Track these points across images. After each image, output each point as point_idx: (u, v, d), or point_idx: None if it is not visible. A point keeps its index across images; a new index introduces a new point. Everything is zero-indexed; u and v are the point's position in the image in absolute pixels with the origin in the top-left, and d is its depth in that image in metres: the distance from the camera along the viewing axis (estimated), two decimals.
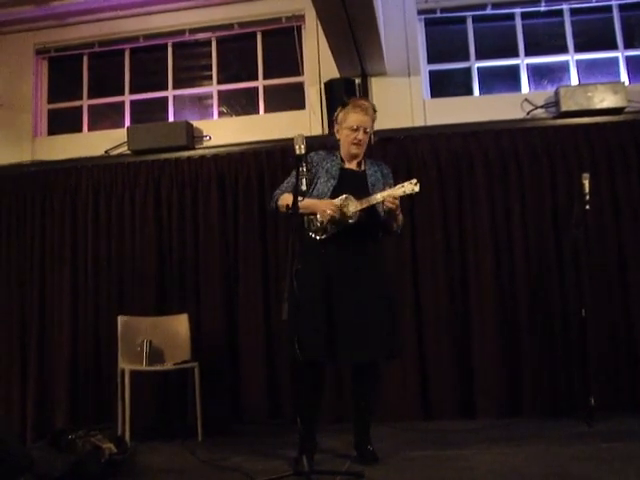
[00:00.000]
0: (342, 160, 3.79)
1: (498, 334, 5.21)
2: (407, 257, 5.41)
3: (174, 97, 6.33)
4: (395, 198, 3.51)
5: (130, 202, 5.87)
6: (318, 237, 3.59)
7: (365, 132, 3.74)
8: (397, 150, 5.58)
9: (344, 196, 3.58)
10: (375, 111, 3.84)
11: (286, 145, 5.20)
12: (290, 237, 3.28)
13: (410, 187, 3.50)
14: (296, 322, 3.28)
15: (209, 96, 6.33)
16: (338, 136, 3.83)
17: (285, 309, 3.03)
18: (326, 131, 5.63)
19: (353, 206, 3.56)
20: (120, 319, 5.16)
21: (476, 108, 5.65)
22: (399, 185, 3.54)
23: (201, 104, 6.38)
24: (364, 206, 3.56)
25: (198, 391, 4.90)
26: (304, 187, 3.53)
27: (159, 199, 5.84)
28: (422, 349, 5.29)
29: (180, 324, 5.30)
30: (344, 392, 5.10)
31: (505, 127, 5.50)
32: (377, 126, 5.58)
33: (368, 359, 3.57)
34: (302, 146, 3.39)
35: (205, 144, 5.98)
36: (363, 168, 3.80)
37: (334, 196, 3.62)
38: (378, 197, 3.55)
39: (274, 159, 5.69)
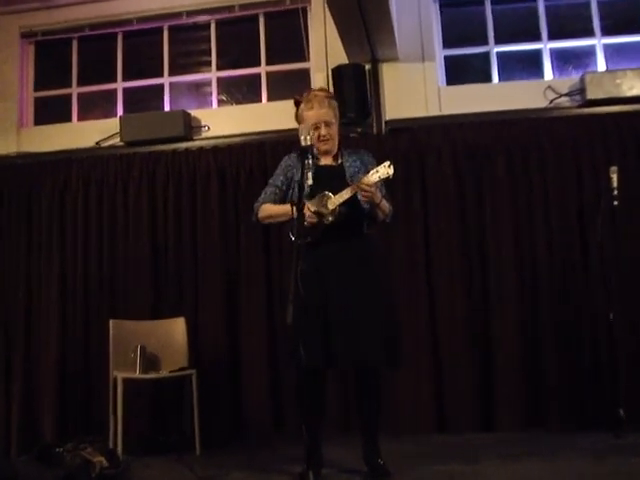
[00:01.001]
0: (317, 158, 3.82)
1: (520, 339, 5.20)
2: (420, 257, 5.40)
3: (170, 84, 6.33)
4: (369, 185, 3.52)
5: (123, 198, 5.88)
6: (300, 241, 3.62)
7: (328, 125, 3.76)
8: (409, 142, 5.57)
9: (321, 195, 3.60)
10: (332, 97, 3.87)
11: (291, 136, 5.16)
12: (292, 238, 3.30)
13: (384, 171, 3.51)
14: (301, 326, 3.29)
15: (208, 83, 6.32)
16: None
17: (290, 312, 3.04)
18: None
19: (331, 203, 3.57)
20: (112, 323, 5.16)
21: (495, 96, 5.63)
22: (373, 170, 3.55)
23: (199, 92, 6.37)
24: (339, 202, 3.58)
25: (196, 401, 4.89)
26: (310, 181, 3.56)
27: (154, 194, 5.84)
28: (437, 356, 5.29)
29: (177, 328, 5.30)
30: (350, 401, 5.09)
31: (527, 117, 5.49)
32: (388, 115, 5.70)
33: (360, 364, 3.59)
34: (308, 137, 3.42)
35: (204, 135, 5.97)
36: (340, 161, 3.82)
37: (314, 195, 3.64)
38: (349, 189, 3.57)
39: (278, 151, 5.64)
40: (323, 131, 3.73)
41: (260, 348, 5.45)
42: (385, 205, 3.71)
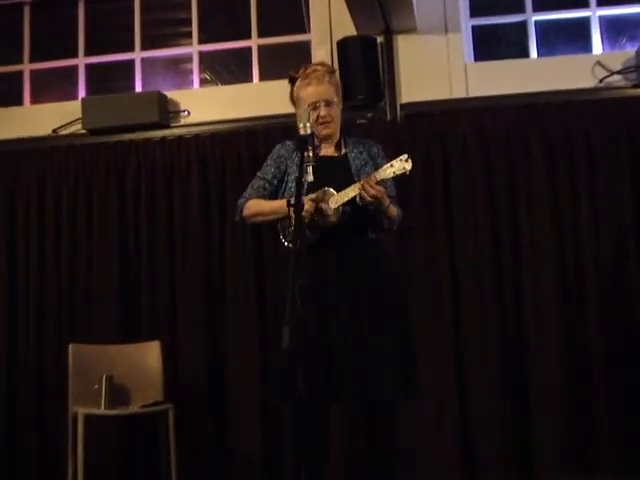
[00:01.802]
0: (316, 148, 3.82)
1: (563, 364, 5.21)
2: (443, 267, 5.42)
3: (142, 60, 6.35)
4: (378, 184, 3.49)
5: (86, 197, 5.90)
6: (299, 247, 3.60)
7: (329, 105, 3.75)
8: (430, 130, 5.59)
9: (322, 191, 3.59)
10: (334, 72, 3.89)
11: (288, 123, 5.22)
12: (284, 243, 3.30)
13: (400, 165, 3.47)
14: (299, 351, 3.28)
15: (188, 59, 6.34)
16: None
17: (287, 334, 3.03)
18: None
19: (334, 201, 3.57)
20: (71, 348, 5.17)
21: (533, 74, 5.65)
22: (386, 164, 3.54)
23: (177, 69, 6.39)
24: (344, 200, 3.58)
25: (173, 441, 4.92)
26: (310, 177, 3.49)
27: (123, 192, 5.87)
28: (462, 384, 5.30)
29: (150, 354, 5.32)
30: (358, 440, 5.14)
31: (571, 98, 5.51)
32: (404, 98, 5.73)
33: (370, 395, 3.59)
34: (308, 124, 3.40)
35: (183, 121, 6.00)
36: (344, 151, 3.81)
37: (312, 192, 3.58)
38: (356, 186, 3.54)
39: (272, 140, 5.55)
40: (323, 111, 3.71)
41: (250, 377, 5.46)
42: (392, 210, 3.68)
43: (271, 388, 3.60)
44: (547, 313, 5.31)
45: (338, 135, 3.84)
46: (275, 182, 3.81)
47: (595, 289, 5.30)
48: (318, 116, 3.72)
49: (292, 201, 3.61)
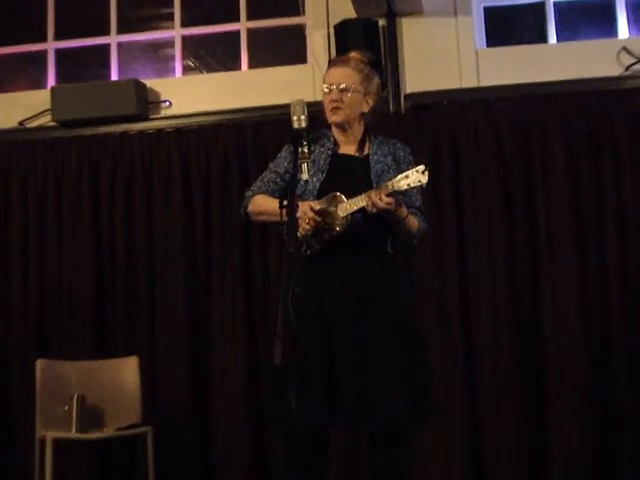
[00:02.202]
0: (336, 143, 3.83)
1: (585, 387, 5.21)
2: (452, 276, 5.43)
3: (119, 45, 6.34)
4: (386, 195, 3.39)
5: (56, 196, 5.91)
6: (295, 254, 3.57)
7: (343, 90, 3.67)
8: (437, 122, 5.60)
9: (331, 196, 3.53)
10: (367, 63, 3.84)
11: (280, 115, 5.22)
12: (285, 248, 3.28)
13: (415, 178, 3.39)
14: (293, 368, 3.27)
15: (169, 44, 6.33)
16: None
17: (279, 350, 3.02)
18: None
19: (343, 209, 3.51)
20: (39, 365, 5.16)
21: (552, 61, 5.65)
22: (401, 175, 3.44)
23: (158, 55, 6.39)
24: (353, 209, 3.50)
25: (152, 467, 4.92)
26: (305, 176, 3.45)
27: (97, 192, 5.87)
28: (474, 410, 5.31)
29: (127, 372, 5.31)
30: (361, 468, 5.15)
31: (594, 88, 5.51)
32: (409, 87, 5.71)
33: (376, 420, 3.57)
34: (302, 117, 3.37)
35: (164, 113, 6.01)
36: (366, 152, 3.76)
37: (323, 193, 3.57)
38: (365, 196, 3.45)
39: (263, 135, 5.70)
40: (334, 95, 3.66)
41: (238, 397, 5.47)
42: (412, 222, 3.61)
43: (270, 415, 3.56)
44: (568, 328, 5.31)
45: (361, 133, 3.78)
46: (287, 177, 3.71)
47: (620, 295, 5.30)
48: (330, 100, 3.67)
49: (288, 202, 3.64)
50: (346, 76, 3.70)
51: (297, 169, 3.41)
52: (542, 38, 5.94)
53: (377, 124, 5.31)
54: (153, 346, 5.65)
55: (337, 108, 3.67)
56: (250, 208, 3.76)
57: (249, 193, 3.79)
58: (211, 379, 5.60)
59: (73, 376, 5.23)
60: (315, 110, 3.63)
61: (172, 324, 5.66)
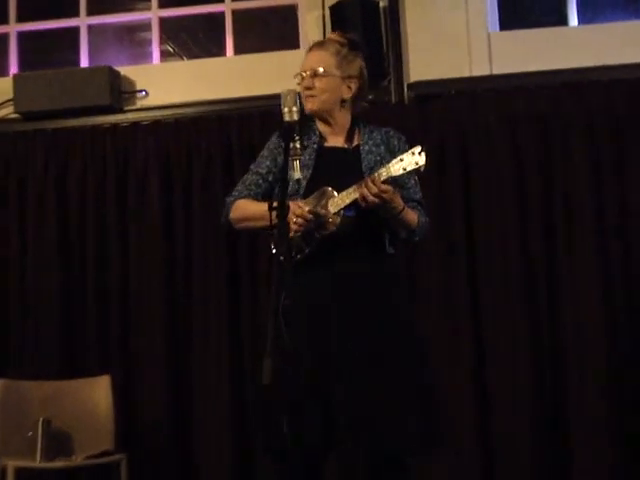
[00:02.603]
0: (322, 136, 3.83)
1: (611, 416, 5.21)
2: (462, 280, 5.45)
3: (89, 28, 6.31)
4: (382, 181, 3.39)
5: (18, 196, 5.89)
6: (286, 260, 3.57)
7: (316, 75, 3.67)
8: (444, 114, 5.60)
9: (320, 191, 3.53)
10: (347, 44, 3.83)
11: (269, 106, 5.23)
12: (275, 255, 3.26)
13: (411, 160, 3.39)
14: (285, 389, 3.27)
15: (145, 27, 6.32)
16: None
17: (268, 369, 3.01)
18: None
19: (334, 205, 3.52)
20: (0, 385, 5.14)
21: (573, 46, 5.64)
22: (396, 159, 3.44)
23: (133, 40, 6.39)
24: (346, 202, 3.53)
25: None
26: (297, 174, 3.46)
27: (65, 193, 5.86)
28: (488, 441, 5.31)
29: (98, 392, 5.29)
30: None
31: (621, 76, 5.52)
32: (413, 76, 5.70)
33: (376, 447, 3.56)
34: (294, 109, 3.33)
35: (140, 104, 6.00)
36: (356, 143, 3.77)
37: (310, 193, 3.58)
38: (358, 187, 3.50)
39: (250, 128, 5.69)
40: (306, 81, 3.69)
41: (222, 422, 5.47)
42: (410, 216, 3.61)
43: (259, 437, 3.55)
44: (590, 343, 5.31)
45: (348, 121, 3.78)
46: (270, 178, 3.73)
47: None
48: (302, 87, 3.68)
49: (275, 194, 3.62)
50: (320, 60, 3.70)
51: (288, 167, 3.36)
52: (562, 20, 5.95)
53: (378, 116, 5.39)
54: (127, 364, 5.64)
55: (310, 96, 3.68)
56: (232, 215, 3.74)
57: (230, 199, 3.77)
58: (192, 401, 5.59)
59: (37, 398, 5.21)
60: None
61: (148, 339, 5.65)
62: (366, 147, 3.71)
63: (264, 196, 3.70)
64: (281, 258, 3.46)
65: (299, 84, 3.66)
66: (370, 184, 3.39)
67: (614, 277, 5.37)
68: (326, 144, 3.72)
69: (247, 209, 3.68)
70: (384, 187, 3.39)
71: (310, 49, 3.78)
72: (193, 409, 5.58)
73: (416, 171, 3.42)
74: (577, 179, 5.46)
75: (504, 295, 5.42)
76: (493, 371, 5.37)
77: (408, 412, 3.49)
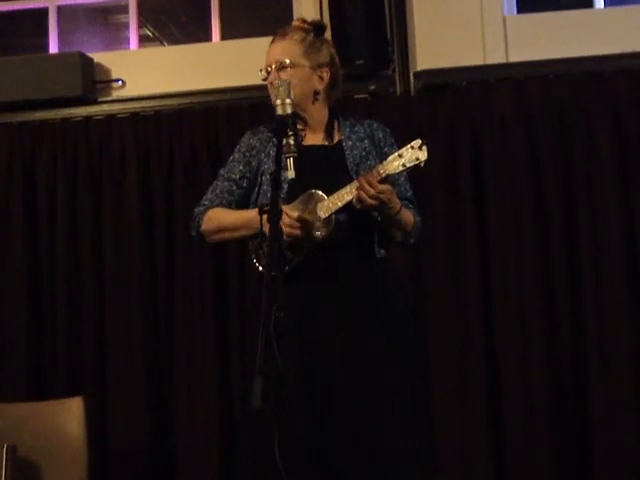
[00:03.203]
0: (299, 135, 3.81)
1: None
2: (474, 285, 5.50)
3: (59, 10, 6.37)
4: (379, 180, 3.44)
5: None
6: (276, 272, 3.58)
7: (282, 68, 3.73)
8: (455, 106, 5.65)
9: (307, 194, 3.57)
10: (312, 30, 3.84)
11: (259, 97, 5.26)
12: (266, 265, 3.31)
13: (411, 155, 3.45)
14: (277, 413, 3.29)
15: (122, 8, 6.38)
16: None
17: (259, 389, 3.01)
18: None
19: (324, 209, 3.54)
20: None
21: (598, 31, 5.69)
22: (393, 154, 3.50)
23: (108, 23, 6.44)
24: (338, 206, 3.53)
25: None
26: (292, 173, 3.45)
27: (32, 192, 5.90)
28: (500, 457, 5.35)
29: (69, 416, 5.30)
30: None
31: None
32: (420, 64, 5.73)
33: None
34: (287, 101, 3.37)
35: (116, 94, 6.05)
36: (337, 139, 3.80)
37: (293, 198, 3.61)
38: (352, 186, 3.48)
39: (239, 122, 5.71)
40: (271, 76, 3.72)
41: (207, 448, 5.50)
42: (406, 216, 3.67)
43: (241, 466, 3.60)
44: (615, 351, 5.36)
45: (325, 116, 3.82)
46: (245, 183, 3.77)
47: None
48: (268, 82, 3.73)
49: (253, 202, 3.68)
50: (284, 51, 3.76)
51: (281, 166, 3.34)
52: (586, 2, 6.00)
53: (381, 108, 5.42)
54: (102, 384, 5.68)
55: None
56: (205, 227, 3.77)
57: (200, 209, 3.81)
58: (175, 425, 5.63)
59: (1, 422, 5.23)
60: None
61: (126, 357, 5.69)
62: (349, 142, 3.77)
63: (238, 204, 3.76)
64: (260, 268, 3.53)
65: (264, 80, 3.73)
66: (366, 185, 3.43)
67: None
68: (304, 143, 3.74)
69: (223, 219, 3.73)
70: (382, 187, 3.44)
71: (272, 41, 3.82)
72: (176, 435, 5.62)
73: (415, 167, 3.46)
74: (600, 177, 5.50)
75: (518, 294, 5.49)
76: (508, 398, 5.42)
77: (405, 445, 3.55)
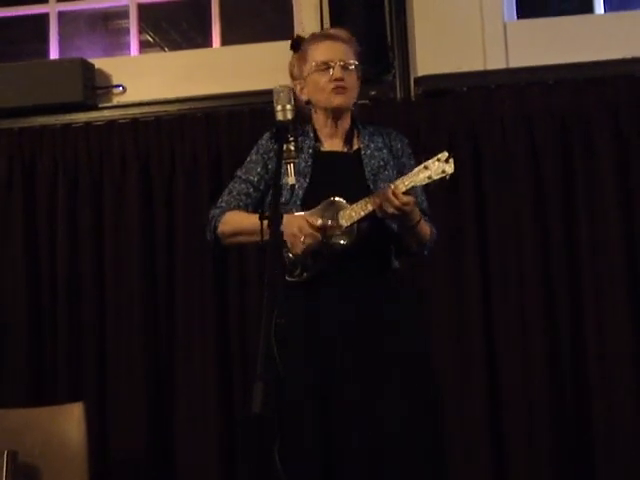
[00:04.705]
0: (317, 139, 3.82)
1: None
2: (474, 294, 5.48)
3: (60, 15, 6.37)
4: (401, 195, 3.41)
5: None
6: (291, 279, 3.58)
7: (347, 67, 3.72)
8: (455, 112, 5.64)
9: (328, 201, 3.56)
10: (354, 39, 3.89)
11: (260, 103, 5.27)
12: (268, 270, 3.29)
13: (438, 168, 3.45)
14: (278, 419, 3.27)
15: (122, 14, 6.39)
16: (304, 96, 3.82)
17: (259, 395, 3.00)
18: None
19: (346, 217, 3.53)
20: None
21: (598, 37, 5.68)
22: (420, 166, 3.49)
23: (109, 29, 6.44)
24: (361, 215, 3.53)
25: None
26: (292, 180, 3.40)
27: (33, 199, 5.89)
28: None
29: (70, 422, 5.29)
30: None
31: None
32: (420, 70, 5.73)
33: None
34: (288, 106, 3.37)
35: (116, 100, 6.05)
36: (356, 146, 3.80)
37: (309, 206, 3.60)
38: (376, 197, 3.47)
39: (238, 128, 5.72)
40: (338, 72, 3.69)
41: (208, 453, 5.49)
42: (425, 228, 3.67)
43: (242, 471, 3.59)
44: (615, 351, 5.35)
45: (348, 123, 3.82)
46: (262, 186, 3.77)
47: None
48: (333, 78, 3.68)
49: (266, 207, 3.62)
50: (345, 51, 3.76)
51: (281, 172, 3.37)
52: (586, 8, 6.00)
53: (381, 113, 5.42)
54: (102, 390, 5.67)
55: (343, 88, 3.71)
56: (221, 229, 3.76)
57: (216, 211, 3.80)
58: (176, 431, 5.63)
59: (2, 428, 5.23)
60: None
61: (126, 363, 5.69)
62: (368, 151, 3.76)
63: (256, 207, 3.73)
64: (286, 278, 3.52)
65: (322, 74, 3.70)
66: (391, 196, 3.42)
67: None
68: (323, 148, 3.77)
69: (239, 222, 3.71)
70: (406, 199, 3.44)
71: (329, 38, 3.81)
72: (176, 440, 5.61)
73: (441, 180, 3.47)
74: (600, 182, 5.49)
75: (518, 303, 5.47)
76: (509, 412, 5.40)
77: (412, 453, 3.52)
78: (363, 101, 5.52)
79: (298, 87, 3.82)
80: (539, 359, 5.40)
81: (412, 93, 5.74)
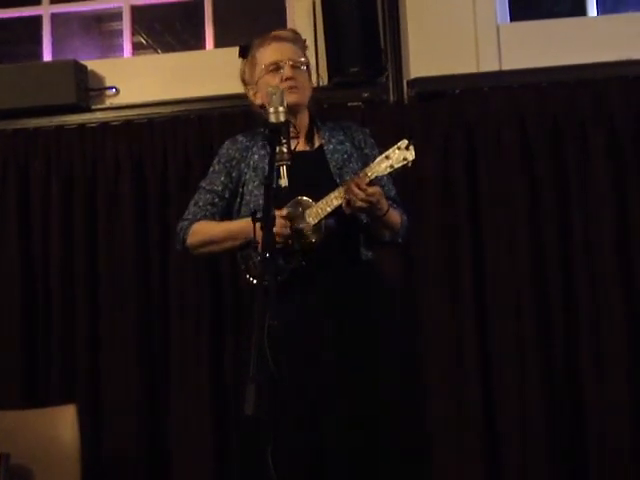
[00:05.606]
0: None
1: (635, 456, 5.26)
2: (468, 296, 5.46)
3: (52, 17, 6.37)
4: (368, 186, 3.48)
5: None
6: (269, 281, 3.60)
7: (296, 66, 3.81)
8: (448, 114, 5.64)
9: (295, 201, 3.60)
10: (305, 42, 3.94)
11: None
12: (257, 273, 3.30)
13: (398, 156, 3.51)
14: (273, 422, 3.28)
15: (115, 16, 6.39)
16: (258, 100, 3.89)
17: (251, 397, 3.01)
18: (324, 80, 5.65)
19: (313, 215, 3.58)
20: None
21: (592, 39, 5.68)
22: (381, 156, 3.55)
23: (102, 31, 6.44)
24: (327, 211, 3.58)
25: None
26: (285, 181, 3.41)
27: (26, 201, 5.89)
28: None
29: (63, 424, 5.28)
30: None
31: None
32: (413, 72, 5.73)
33: None
34: (280, 109, 3.40)
35: (109, 102, 6.05)
36: (317, 143, 3.86)
37: (280, 205, 3.56)
38: (340, 192, 3.53)
39: (233, 130, 5.65)
40: (288, 71, 3.77)
41: (203, 454, 5.49)
42: (394, 216, 3.72)
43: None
44: (610, 351, 5.36)
45: (307, 122, 3.88)
46: (227, 195, 3.84)
47: None
48: (283, 78, 3.76)
49: (236, 214, 3.73)
50: (292, 50, 3.87)
51: (274, 173, 3.37)
52: (579, 10, 6.01)
53: (374, 116, 5.42)
54: (95, 392, 5.67)
55: (294, 87, 3.78)
56: (190, 240, 3.84)
57: (184, 223, 3.88)
58: (170, 432, 5.63)
59: None
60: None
61: (119, 364, 5.68)
62: (330, 146, 3.84)
63: (221, 216, 3.83)
64: (251, 279, 3.54)
65: (274, 75, 3.78)
66: (355, 188, 3.47)
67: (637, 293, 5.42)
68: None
69: (209, 231, 3.80)
70: (371, 190, 3.49)
71: (276, 40, 3.88)
72: (171, 441, 5.61)
73: (403, 167, 3.51)
74: (595, 184, 5.49)
75: (512, 306, 5.47)
76: (504, 421, 5.41)
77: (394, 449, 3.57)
78: (356, 103, 5.62)
79: (251, 92, 3.93)
80: (533, 358, 5.40)
81: (405, 95, 5.73)
